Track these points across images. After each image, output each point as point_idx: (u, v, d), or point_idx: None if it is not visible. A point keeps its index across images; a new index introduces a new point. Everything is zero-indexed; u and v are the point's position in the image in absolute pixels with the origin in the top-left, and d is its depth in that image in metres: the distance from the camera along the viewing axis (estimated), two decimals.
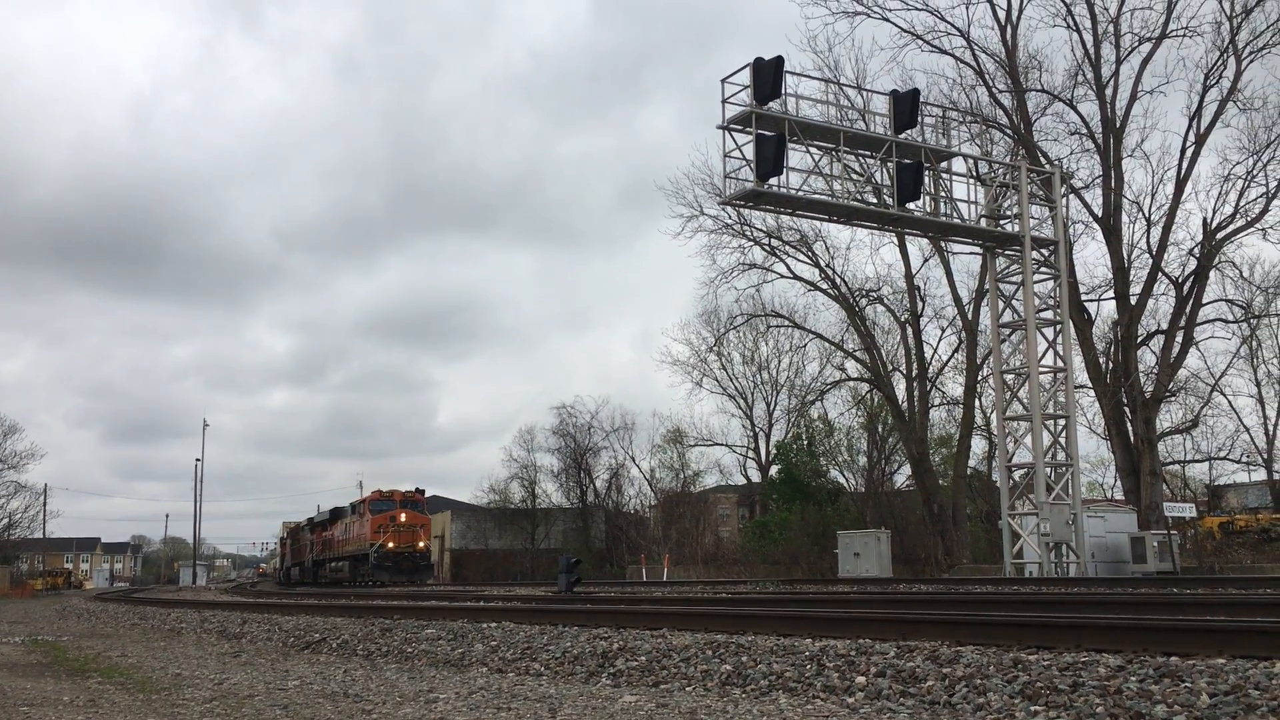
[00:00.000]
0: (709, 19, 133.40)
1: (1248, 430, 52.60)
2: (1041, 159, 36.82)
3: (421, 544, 46.06)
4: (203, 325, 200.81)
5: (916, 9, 38.55)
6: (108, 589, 74.46)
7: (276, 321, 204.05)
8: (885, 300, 48.13)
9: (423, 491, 49.58)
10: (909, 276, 45.84)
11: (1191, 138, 37.44)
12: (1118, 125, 37.91)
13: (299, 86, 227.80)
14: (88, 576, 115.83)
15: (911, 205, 28.37)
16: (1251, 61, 36.63)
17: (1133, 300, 38.30)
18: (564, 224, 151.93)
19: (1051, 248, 30.95)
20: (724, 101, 26.36)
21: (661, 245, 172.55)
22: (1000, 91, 39.27)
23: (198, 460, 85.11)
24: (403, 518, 45.76)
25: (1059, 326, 30.90)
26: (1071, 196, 37.81)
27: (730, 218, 43.54)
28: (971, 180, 31.02)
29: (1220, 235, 37.79)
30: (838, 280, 46.72)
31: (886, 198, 28.53)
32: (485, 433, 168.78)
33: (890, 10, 38.11)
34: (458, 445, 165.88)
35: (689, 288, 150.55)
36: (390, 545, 44.75)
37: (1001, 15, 38.76)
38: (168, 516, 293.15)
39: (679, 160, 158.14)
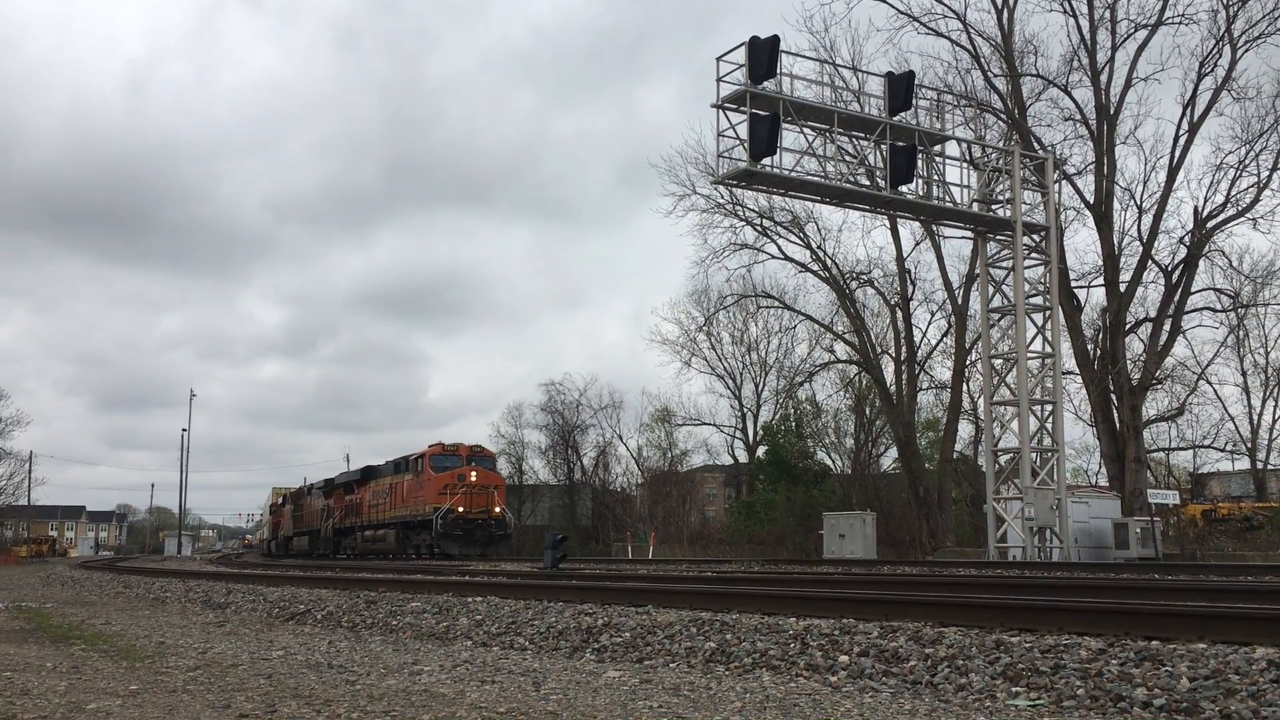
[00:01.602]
0: None
1: (1233, 419, 53.15)
2: (1035, 144, 36.81)
3: (498, 509, 39.32)
4: (194, 295, 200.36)
5: None
6: (92, 557, 74.36)
7: (268, 293, 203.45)
8: (876, 283, 48.21)
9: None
10: (900, 260, 45.90)
11: (1185, 126, 37.48)
12: (1111, 112, 37.89)
13: (297, 58, 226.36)
14: (72, 545, 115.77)
15: (904, 188, 28.32)
16: (1246, 50, 36.64)
17: (1122, 287, 38.41)
18: (559, 201, 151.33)
19: (1043, 233, 30.96)
20: (719, 80, 26.19)
21: (656, 224, 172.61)
22: (995, 76, 39.21)
23: (184, 430, 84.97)
24: (473, 477, 39.02)
25: (1048, 312, 30.94)
26: (1064, 182, 37.85)
27: (722, 197, 43.47)
28: (964, 164, 30.96)
29: (1211, 224, 37.88)
30: (829, 262, 46.75)
31: (879, 180, 28.47)
32: (474, 408, 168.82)
33: None
34: (447, 421, 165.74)
35: (681, 267, 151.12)
36: (460, 509, 38.04)
37: None
38: (153, 486, 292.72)
39: (676, 140, 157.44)
